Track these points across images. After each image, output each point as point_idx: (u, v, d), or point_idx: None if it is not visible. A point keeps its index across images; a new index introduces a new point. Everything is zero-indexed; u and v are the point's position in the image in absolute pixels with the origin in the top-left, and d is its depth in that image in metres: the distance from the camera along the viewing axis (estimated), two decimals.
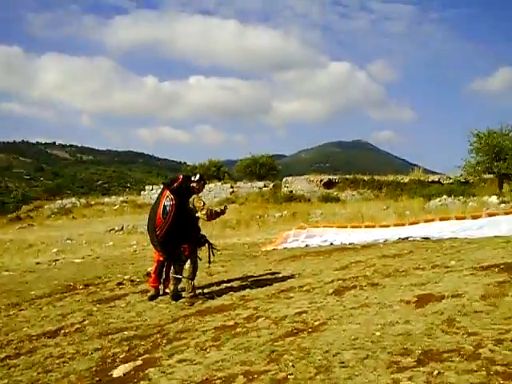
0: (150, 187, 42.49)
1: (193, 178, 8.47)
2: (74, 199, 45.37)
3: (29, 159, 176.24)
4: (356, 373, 4.24)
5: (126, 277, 11.36)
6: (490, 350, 4.27)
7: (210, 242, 8.75)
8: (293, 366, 4.64)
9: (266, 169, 44.27)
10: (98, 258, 17.14)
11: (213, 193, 37.79)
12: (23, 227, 34.28)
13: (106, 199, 45.25)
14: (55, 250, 20.84)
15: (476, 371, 3.91)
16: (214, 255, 8.91)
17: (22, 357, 6.62)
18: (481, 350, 4.28)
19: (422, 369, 4.10)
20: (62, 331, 7.62)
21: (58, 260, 17.48)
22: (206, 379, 4.72)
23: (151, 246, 8.80)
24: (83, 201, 44.22)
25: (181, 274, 8.37)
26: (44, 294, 10.83)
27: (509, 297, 5.71)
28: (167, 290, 8.91)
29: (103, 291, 10.19)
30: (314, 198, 35.44)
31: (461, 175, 30.75)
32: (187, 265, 8.29)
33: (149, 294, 8.93)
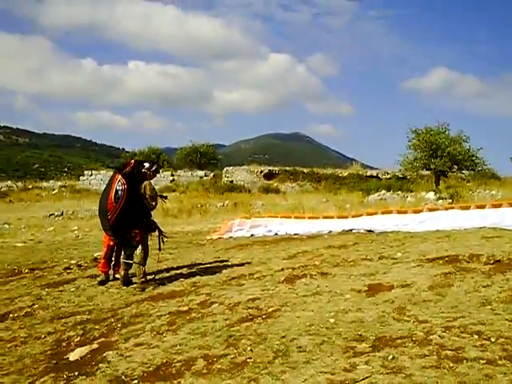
0: (90, 172, 41.97)
1: (146, 165, 8.50)
2: (10, 182, 44.40)
3: None
4: (314, 357, 4.42)
5: (72, 261, 11.25)
6: (439, 336, 4.52)
7: (160, 228, 8.81)
8: (251, 350, 4.79)
9: (206, 158, 44.40)
10: (40, 242, 16.85)
11: (153, 180, 37.26)
12: None
13: (44, 184, 44.42)
14: None
15: (428, 356, 4.14)
16: (163, 242, 8.99)
17: None
18: (431, 337, 4.52)
19: (377, 354, 4.30)
20: (11, 315, 7.55)
21: None
22: (166, 362, 4.82)
23: (102, 230, 8.79)
24: (20, 184, 43.29)
25: (132, 260, 8.40)
26: None
27: (454, 287, 6.00)
28: (117, 276, 8.90)
29: (51, 275, 10.08)
30: (254, 189, 35.70)
31: (399, 170, 31.46)
32: (138, 250, 8.32)
33: (98, 279, 8.91)
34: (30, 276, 10.25)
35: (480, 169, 27.56)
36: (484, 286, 5.89)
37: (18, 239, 17.79)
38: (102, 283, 8.78)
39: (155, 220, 8.92)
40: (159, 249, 8.84)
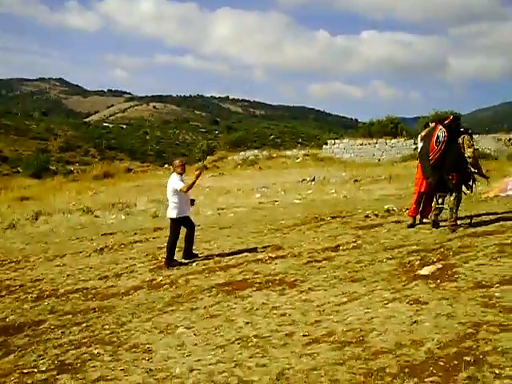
0: (333, 141, 43.56)
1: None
2: (256, 151, 47.63)
3: (204, 113, 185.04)
4: None
5: (367, 212, 12.60)
6: None
7: (475, 177, 9.59)
8: None
9: None
10: (313, 200, 18.62)
11: (395, 149, 38.12)
12: (215, 175, 36.63)
13: (288, 152, 46.98)
14: (258, 195, 22.42)
15: None
16: (487, 178, 9.88)
17: (324, 262, 8.15)
18: None
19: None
20: (340, 247, 9.07)
21: (276, 201, 19.26)
22: None
23: (423, 174, 9.64)
24: (265, 153, 46.19)
25: (443, 205, 9.49)
26: (295, 223, 12.43)
27: None
28: (424, 220, 10.08)
29: (355, 221, 11.54)
30: (501, 157, 34.97)
31: None
32: (452, 196, 9.29)
33: (408, 223, 10.13)
34: (335, 221, 11.84)
35: None
36: None
37: (286, 199, 19.67)
38: (410, 226, 10.00)
39: None
40: (471, 190, 9.61)
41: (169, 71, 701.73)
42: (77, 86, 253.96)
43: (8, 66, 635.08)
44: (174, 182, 9.45)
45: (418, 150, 10.30)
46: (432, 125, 9.83)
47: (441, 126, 9.10)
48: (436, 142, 8.97)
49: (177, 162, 9.78)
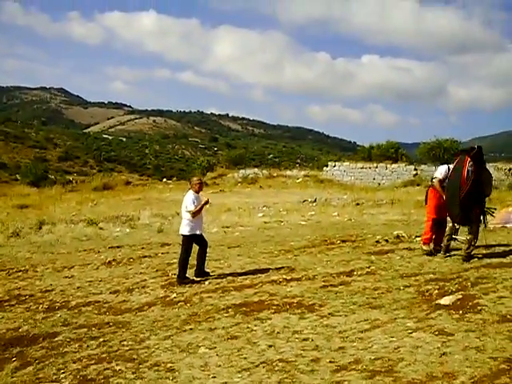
0: (333, 164, 43.54)
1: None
2: (256, 170, 47.60)
3: (203, 129, 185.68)
4: None
5: (378, 236, 12.58)
6: None
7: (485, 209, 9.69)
8: None
9: (450, 154, 44.06)
10: (318, 222, 18.54)
11: (395, 174, 38.18)
12: (215, 192, 36.54)
13: (288, 172, 47.01)
14: (260, 214, 22.30)
15: None
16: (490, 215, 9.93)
17: (340, 286, 8.12)
18: None
19: None
20: (355, 272, 9.02)
21: (282, 221, 19.17)
22: None
23: (449, 208, 9.59)
24: (265, 172, 46.20)
25: (456, 235, 9.52)
26: (305, 245, 12.37)
27: None
28: (437, 248, 10.07)
29: (367, 246, 11.50)
30: (502, 187, 34.96)
31: None
32: (472, 228, 9.32)
33: (422, 250, 10.06)
34: (346, 245, 11.81)
35: None
36: None
37: (289, 219, 19.57)
38: (429, 254, 9.92)
39: None
40: (484, 226, 9.72)
41: (169, 86, 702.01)
42: (77, 96, 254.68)
43: (9, 74, 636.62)
44: (189, 200, 9.37)
45: (445, 181, 9.99)
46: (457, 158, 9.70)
47: (469, 159, 9.11)
48: (467, 176, 9.00)
49: (195, 179, 9.71)
